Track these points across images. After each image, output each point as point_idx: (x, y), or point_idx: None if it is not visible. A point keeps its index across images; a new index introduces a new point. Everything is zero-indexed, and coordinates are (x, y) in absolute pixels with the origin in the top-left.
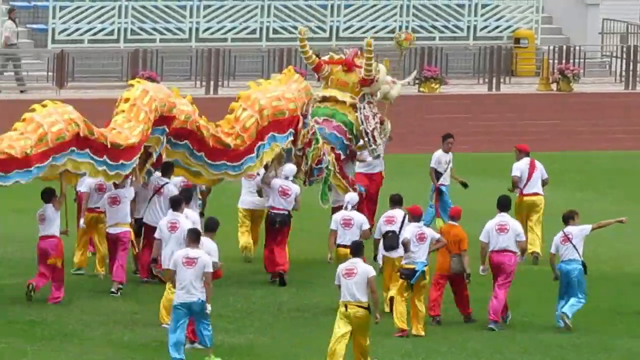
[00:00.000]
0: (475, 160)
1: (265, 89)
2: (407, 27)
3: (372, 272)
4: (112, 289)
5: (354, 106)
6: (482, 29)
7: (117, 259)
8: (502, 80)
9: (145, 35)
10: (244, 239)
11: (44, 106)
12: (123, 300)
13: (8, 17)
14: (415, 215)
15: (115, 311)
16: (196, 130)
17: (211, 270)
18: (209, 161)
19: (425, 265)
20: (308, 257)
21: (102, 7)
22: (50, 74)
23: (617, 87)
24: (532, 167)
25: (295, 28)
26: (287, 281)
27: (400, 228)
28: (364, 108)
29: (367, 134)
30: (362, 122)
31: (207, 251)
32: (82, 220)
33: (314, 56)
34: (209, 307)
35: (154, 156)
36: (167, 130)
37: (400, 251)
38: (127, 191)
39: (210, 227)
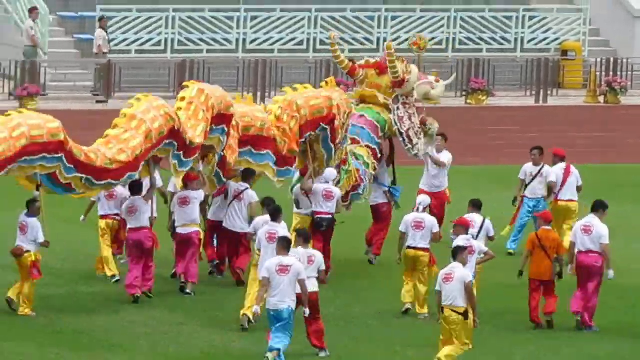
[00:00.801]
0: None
1: (301, 92)
2: (454, 39)
3: (468, 278)
4: (187, 290)
5: (387, 106)
6: (529, 41)
7: (188, 260)
8: (549, 92)
9: (193, 46)
10: None
11: (138, 100)
12: (169, 311)
13: (99, 26)
14: (464, 227)
15: (162, 322)
16: (272, 138)
17: (304, 277)
18: (277, 167)
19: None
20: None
21: (149, 18)
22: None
23: None
24: (567, 173)
25: (343, 39)
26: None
27: (479, 232)
28: (398, 109)
29: (401, 134)
30: (395, 123)
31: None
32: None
33: (346, 60)
34: (307, 311)
35: (216, 157)
36: (226, 129)
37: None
38: (197, 193)
39: (305, 237)
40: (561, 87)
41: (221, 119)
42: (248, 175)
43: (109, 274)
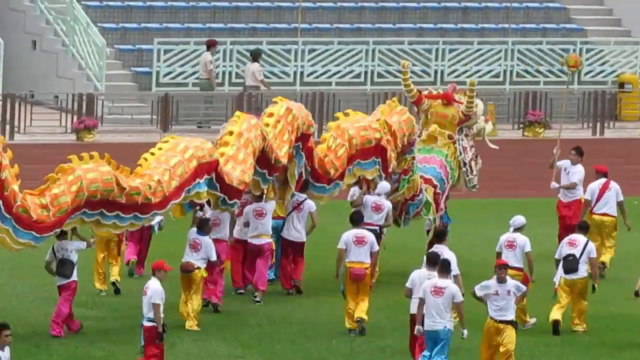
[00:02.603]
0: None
1: (354, 119)
2: (511, 72)
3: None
4: (257, 299)
5: (451, 138)
6: (586, 74)
7: (259, 269)
8: (606, 124)
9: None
10: None
11: (238, 117)
12: (226, 344)
13: (253, 60)
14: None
15: (218, 354)
16: (312, 148)
17: (461, 300)
18: (314, 182)
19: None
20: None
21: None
22: (154, 117)
23: None
24: (604, 187)
25: (400, 72)
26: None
27: (581, 253)
28: (462, 140)
29: (465, 164)
30: (460, 153)
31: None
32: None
33: (415, 89)
34: (465, 332)
35: (296, 175)
36: (302, 148)
37: (580, 273)
38: (271, 204)
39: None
40: (618, 120)
41: (301, 138)
42: (305, 186)
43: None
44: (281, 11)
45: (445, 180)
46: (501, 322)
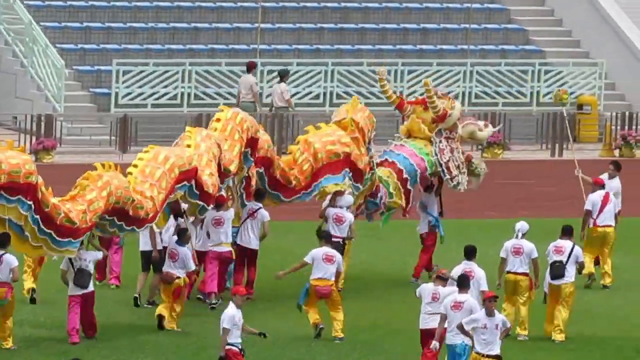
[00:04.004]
0: (538, 225)
1: (323, 132)
2: (470, 93)
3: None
4: (214, 304)
5: (429, 139)
6: (544, 95)
7: (219, 276)
8: (564, 146)
9: (209, 100)
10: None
11: (190, 132)
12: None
13: (280, 81)
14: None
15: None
16: (272, 159)
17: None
18: (270, 190)
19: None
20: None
21: (165, 72)
22: (113, 138)
23: None
24: (605, 199)
25: (360, 93)
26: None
27: (568, 258)
28: (440, 142)
29: (440, 165)
30: (435, 154)
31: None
32: None
33: (394, 95)
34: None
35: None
36: (251, 153)
37: (567, 278)
38: (229, 212)
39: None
40: (577, 141)
41: (249, 142)
42: (260, 195)
43: None
44: (240, 32)
45: (417, 170)
46: (488, 356)
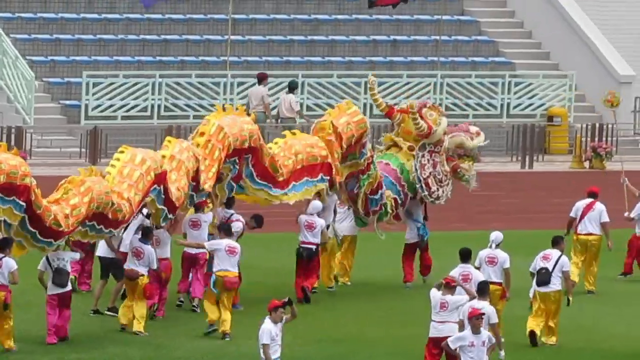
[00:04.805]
0: (508, 237)
1: (302, 137)
2: (440, 105)
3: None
4: (196, 307)
5: (411, 150)
6: (515, 107)
7: (195, 278)
8: (535, 158)
9: (179, 112)
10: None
11: (169, 142)
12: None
13: (288, 91)
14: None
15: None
16: (258, 148)
17: (495, 321)
18: (260, 180)
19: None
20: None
21: (135, 84)
22: (83, 150)
23: None
24: (588, 207)
25: (329, 105)
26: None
27: (554, 267)
28: (423, 156)
29: (420, 180)
30: (416, 169)
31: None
32: None
33: (384, 104)
34: (502, 354)
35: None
36: (238, 161)
37: (552, 286)
38: (207, 216)
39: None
40: (547, 153)
41: (235, 153)
42: (231, 202)
43: None
44: (210, 44)
45: (401, 192)
46: None
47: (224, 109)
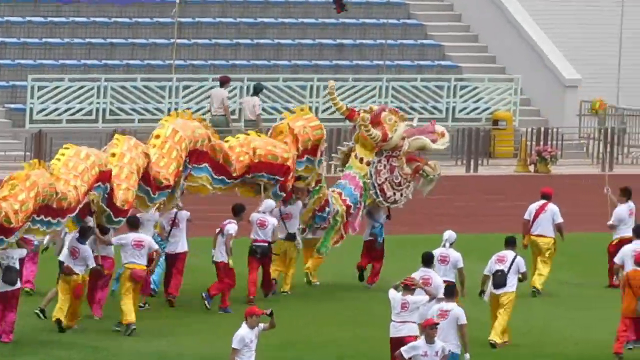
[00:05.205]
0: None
1: (264, 138)
2: None
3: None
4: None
5: (362, 161)
6: (460, 111)
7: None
8: (480, 161)
9: (124, 116)
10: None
11: (118, 140)
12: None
13: (253, 94)
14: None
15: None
16: (210, 152)
17: (464, 322)
18: (216, 176)
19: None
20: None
21: (80, 87)
22: (28, 153)
23: (595, 169)
24: (540, 209)
25: (275, 109)
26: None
27: (509, 268)
28: (379, 162)
29: (374, 186)
30: (371, 176)
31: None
32: None
33: (344, 107)
34: (467, 356)
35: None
36: (189, 161)
37: (507, 287)
38: (151, 215)
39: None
40: (492, 157)
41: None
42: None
43: None
44: (156, 48)
45: (359, 202)
46: None
47: (177, 114)
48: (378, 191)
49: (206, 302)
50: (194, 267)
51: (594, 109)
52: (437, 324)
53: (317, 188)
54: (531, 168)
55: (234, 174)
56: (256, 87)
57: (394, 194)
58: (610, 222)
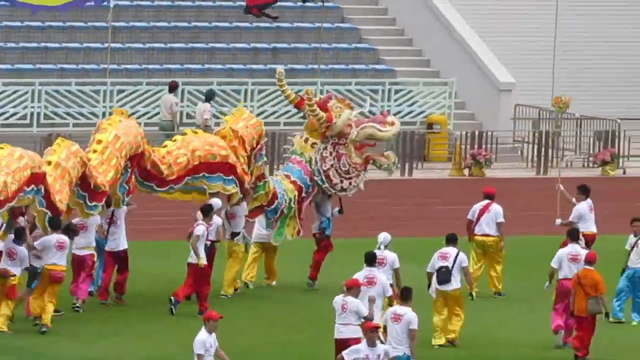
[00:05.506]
0: (393, 245)
1: (202, 136)
2: None
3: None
4: (77, 307)
5: (313, 147)
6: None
7: (80, 279)
8: (415, 165)
9: (59, 120)
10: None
11: (58, 145)
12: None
13: (205, 100)
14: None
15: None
16: (141, 154)
17: (416, 327)
18: (144, 181)
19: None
20: None
21: (15, 92)
22: None
23: (529, 173)
24: (484, 209)
25: (223, 112)
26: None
27: (453, 264)
28: (325, 149)
29: (320, 173)
30: (316, 162)
31: None
32: None
33: (293, 94)
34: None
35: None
36: (130, 165)
37: (453, 284)
38: (94, 219)
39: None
40: (426, 160)
41: (130, 160)
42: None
43: None
44: (90, 52)
45: (310, 186)
46: None
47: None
48: (324, 177)
49: (173, 307)
50: (143, 269)
51: (558, 105)
52: (378, 327)
53: (261, 184)
54: (466, 171)
55: (169, 178)
56: (207, 94)
57: (341, 181)
58: (560, 222)
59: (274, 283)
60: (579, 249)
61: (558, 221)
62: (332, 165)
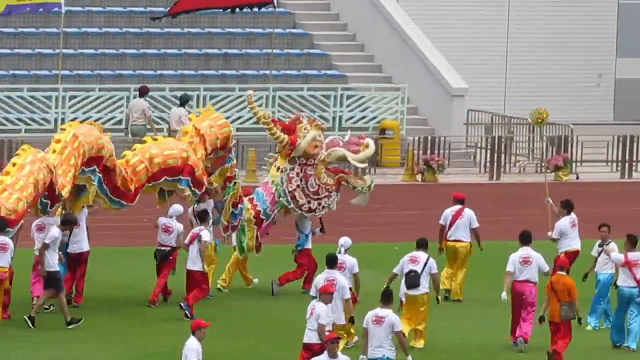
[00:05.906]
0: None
1: (161, 141)
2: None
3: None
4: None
5: (278, 169)
6: (347, 120)
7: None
8: (367, 171)
9: (11, 126)
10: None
11: (24, 150)
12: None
13: (180, 105)
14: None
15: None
16: (113, 166)
17: (399, 329)
18: (113, 197)
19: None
20: None
21: None
22: None
23: (482, 178)
24: (457, 215)
25: (161, 118)
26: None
27: (422, 269)
28: (292, 170)
29: (285, 194)
30: (282, 183)
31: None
32: None
33: (266, 115)
34: (409, 358)
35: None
36: (98, 169)
37: (421, 289)
38: (53, 219)
39: None
40: (379, 166)
41: (92, 161)
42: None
43: None
44: (42, 58)
45: (269, 208)
46: None
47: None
48: (289, 198)
49: (186, 311)
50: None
51: (539, 119)
52: (339, 338)
53: (231, 184)
54: (418, 177)
55: (133, 192)
56: (182, 98)
57: (309, 202)
58: (551, 235)
59: (255, 280)
60: (530, 252)
61: (549, 233)
62: (297, 186)
